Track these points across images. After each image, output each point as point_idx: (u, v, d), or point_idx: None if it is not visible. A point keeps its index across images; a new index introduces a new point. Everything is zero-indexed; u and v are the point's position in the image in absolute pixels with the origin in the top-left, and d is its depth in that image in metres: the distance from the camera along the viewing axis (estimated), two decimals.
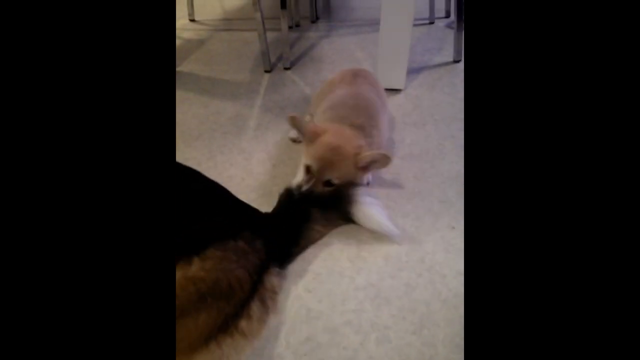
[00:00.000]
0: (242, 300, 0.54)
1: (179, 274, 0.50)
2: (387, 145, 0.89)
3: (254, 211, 0.69)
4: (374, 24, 1.59)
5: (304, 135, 0.73)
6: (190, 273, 0.50)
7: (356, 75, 0.89)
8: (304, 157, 0.73)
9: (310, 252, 0.68)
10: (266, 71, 1.28)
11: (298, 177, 0.73)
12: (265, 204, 0.76)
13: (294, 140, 0.95)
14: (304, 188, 0.70)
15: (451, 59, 1.29)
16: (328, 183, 0.71)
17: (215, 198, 0.64)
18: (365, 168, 0.71)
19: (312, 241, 0.69)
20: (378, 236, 0.70)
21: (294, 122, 0.74)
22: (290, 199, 0.72)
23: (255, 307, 0.55)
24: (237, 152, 0.93)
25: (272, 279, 0.60)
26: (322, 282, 0.63)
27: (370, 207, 0.69)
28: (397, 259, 0.66)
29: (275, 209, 0.72)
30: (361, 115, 0.77)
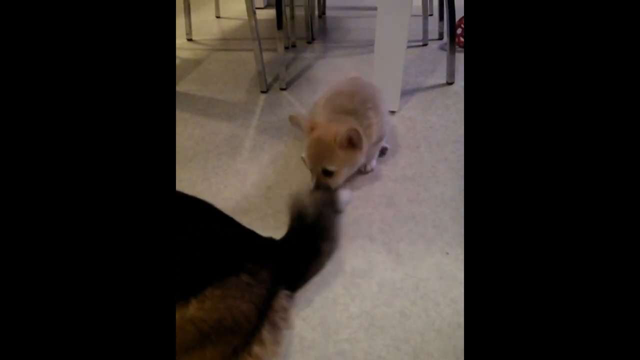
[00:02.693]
0: (250, 330, 0.53)
1: (176, 315, 0.49)
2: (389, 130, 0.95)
3: (257, 238, 0.68)
4: (368, 46, 1.62)
5: (304, 131, 0.82)
6: (188, 314, 0.49)
7: (351, 79, 0.98)
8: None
9: None
10: (262, 91, 1.29)
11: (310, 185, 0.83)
12: (259, 227, 0.76)
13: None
14: (312, 186, 0.80)
15: (444, 81, 1.31)
16: (326, 172, 0.79)
17: (213, 229, 0.63)
18: (349, 146, 0.78)
19: (317, 271, 0.68)
20: (372, 262, 0.70)
21: (294, 121, 0.83)
22: (301, 225, 0.70)
23: (266, 332, 0.54)
24: (232, 173, 0.93)
25: (281, 302, 0.59)
26: (316, 310, 0.62)
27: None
28: (392, 285, 0.66)
29: (287, 235, 0.70)
30: (355, 100, 0.84)
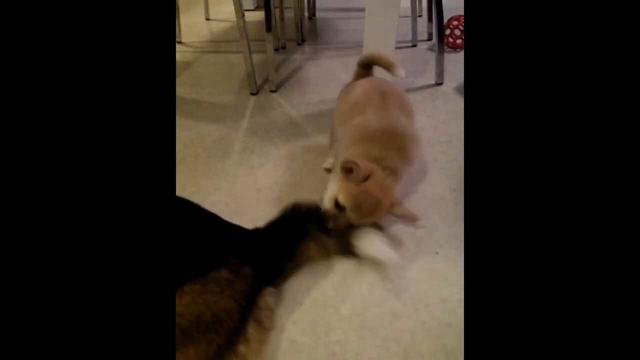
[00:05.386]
0: (233, 328, 0.53)
1: None
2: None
3: (242, 232, 0.68)
4: (359, 47, 1.62)
5: (357, 173, 0.64)
6: None
7: (385, 96, 0.78)
8: (339, 192, 0.67)
9: (294, 280, 0.67)
10: (252, 93, 1.28)
11: (325, 204, 0.69)
12: None
13: (329, 171, 0.90)
14: (331, 225, 0.68)
15: (433, 82, 1.32)
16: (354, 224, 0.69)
17: (195, 227, 0.63)
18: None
19: (307, 259, 0.68)
20: (362, 263, 0.70)
21: (348, 166, 0.64)
22: (291, 215, 0.71)
23: (251, 330, 0.55)
24: (222, 176, 0.92)
25: (266, 299, 0.59)
26: (306, 313, 0.62)
27: (370, 235, 0.69)
28: (382, 286, 0.66)
29: (271, 222, 0.71)
30: (394, 156, 0.70)
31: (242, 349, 0.52)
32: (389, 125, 0.73)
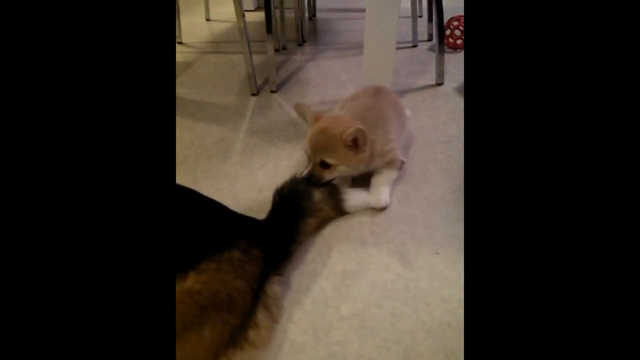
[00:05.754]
0: (246, 310, 0.54)
1: (176, 288, 0.49)
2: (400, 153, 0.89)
3: (250, 220, 0.69)
4: (359, 47, 1.62)
5: (308, 121, 0.82)
6: (186, 286, 0.50)
7: (378, 92, 0.93)
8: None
9: (295, 280, 0.67)
10: (252, 94, 1.29)
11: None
12: None
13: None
14: (304, 172, 0.78)
15: (434, 82, 1.32)
16: (323, 164, 0.77)
17: (208, 211, 0.63)
18: (356, 145, 0.76)
19: (307, 235, 0.73)
20: (363, 263, 0.70)
21: (299, 110, 0.85)
22: (280, 199, 0.74)
23: (261, 316, 0.55)
24: (222, 177, 0.93)
25: (274, 287, 0.60)
26: (307, 313, 0.62)
27: (355, 191, 0.81)
28: (383, 287, 0.66)
29: (269, 213, 0.73)
30: (368, 114, 0.83)
31: (252, 334, 0.52)
32: (372, 103, 0.88)
